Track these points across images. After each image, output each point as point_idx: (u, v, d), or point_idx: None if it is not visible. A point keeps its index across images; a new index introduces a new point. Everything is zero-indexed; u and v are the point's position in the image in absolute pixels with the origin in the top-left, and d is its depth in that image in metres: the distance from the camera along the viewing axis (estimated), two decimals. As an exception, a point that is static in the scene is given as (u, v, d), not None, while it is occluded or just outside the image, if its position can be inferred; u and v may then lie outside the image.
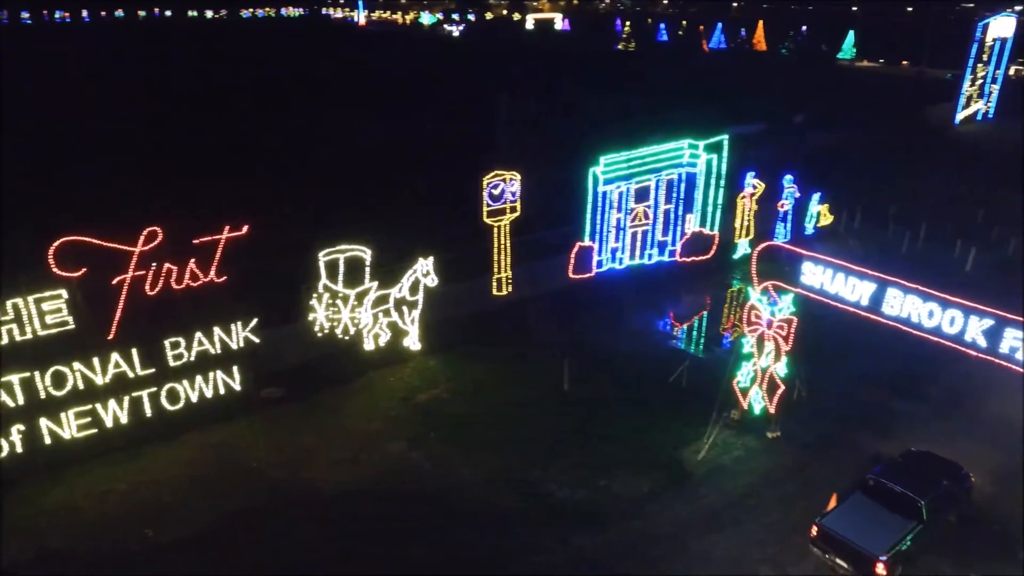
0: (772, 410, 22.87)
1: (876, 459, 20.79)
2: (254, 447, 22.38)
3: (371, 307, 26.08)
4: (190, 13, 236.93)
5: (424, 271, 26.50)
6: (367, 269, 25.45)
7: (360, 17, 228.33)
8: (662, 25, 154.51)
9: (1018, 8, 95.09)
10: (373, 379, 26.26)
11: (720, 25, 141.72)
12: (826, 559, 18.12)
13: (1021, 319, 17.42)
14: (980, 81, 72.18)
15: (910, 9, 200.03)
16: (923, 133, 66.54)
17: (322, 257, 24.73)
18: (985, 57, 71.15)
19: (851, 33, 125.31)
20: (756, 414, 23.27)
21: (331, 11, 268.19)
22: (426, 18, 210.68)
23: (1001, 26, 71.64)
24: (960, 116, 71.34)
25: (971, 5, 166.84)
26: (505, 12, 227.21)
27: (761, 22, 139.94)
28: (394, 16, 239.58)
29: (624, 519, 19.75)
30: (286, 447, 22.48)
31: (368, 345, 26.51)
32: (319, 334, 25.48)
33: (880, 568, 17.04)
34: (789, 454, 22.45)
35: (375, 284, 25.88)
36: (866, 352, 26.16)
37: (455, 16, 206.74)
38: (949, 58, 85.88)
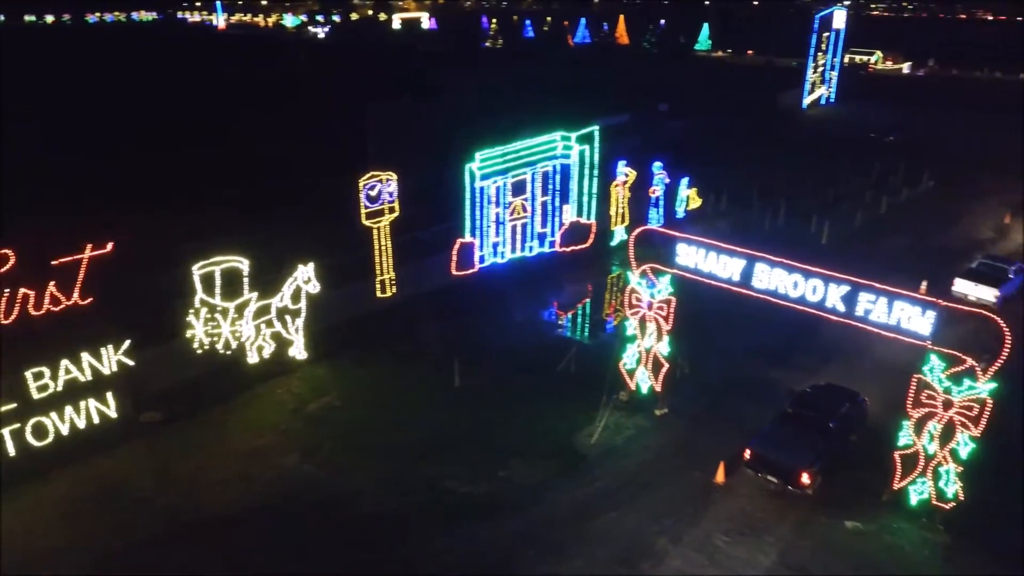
0: (658, 389, 23.84)
1: (789, 393, 23.15)
2: (139, 476, 21.14)
3: (252, 319, 25.21)
4: (27, 18, 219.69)
5: (305, 278, 25.87)
6: (245, 280, 24.56)
7: (219, 21, 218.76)
8: (527, 22, 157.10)
9: (847, 2, 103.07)
10: (260, 393, 25.39)
11: (584, 20, 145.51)
12: (758, 477, 20.60)
13: (872, 283, 18.99)
14: (821, 68, 77.87)
15: (756, 3, 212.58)
16: (775, 117, 71.09)
17: (196, 270, 23.66)
18: (824, 47, 76.89)
19: (705, 26, 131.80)
20: (644, 394, 24.18)
21: (187, 15, 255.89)
22: (289, 20, 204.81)
23: (835, 18, 77.71)
24: (806, 101, 76.77)
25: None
26: (370, 12, 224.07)
27: (622, 17, 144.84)
28: (255, 19, 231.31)
29: (525, 508, 20.05)
30: (173, 472, 21.36)
31: (252, 358, 25.63)
32: (199, 351, 24.39)
33: (804, 477, 19.89)
34: (677, 429, 23.48)
35: (255, 295, 25.03)
36: (743, 326, 27.66)
37: (319, 18, 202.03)
38: (793, 48, 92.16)
